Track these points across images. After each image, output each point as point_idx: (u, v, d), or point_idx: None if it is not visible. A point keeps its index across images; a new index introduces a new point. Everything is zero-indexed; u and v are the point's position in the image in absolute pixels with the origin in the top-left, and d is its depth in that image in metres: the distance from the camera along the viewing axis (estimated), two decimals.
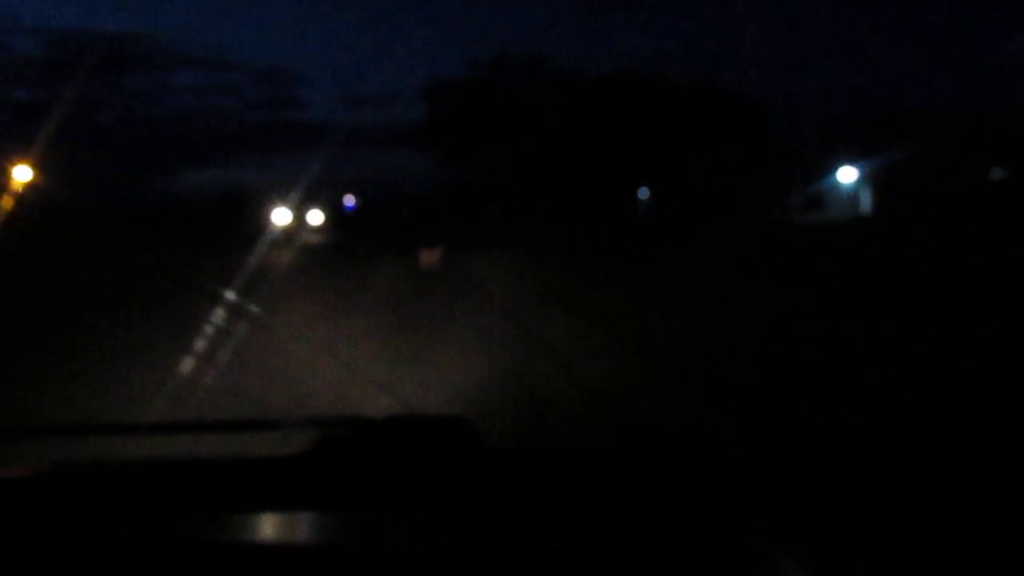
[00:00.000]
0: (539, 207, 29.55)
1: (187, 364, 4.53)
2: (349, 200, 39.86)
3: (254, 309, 6.03)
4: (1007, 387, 3.68)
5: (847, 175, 25.30)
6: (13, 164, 18.90)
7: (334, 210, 36.96)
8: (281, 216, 23.53)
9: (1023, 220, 12.50)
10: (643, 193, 31.50)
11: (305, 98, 76.34)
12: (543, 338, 5.73)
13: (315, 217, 26.67)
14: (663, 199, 28.65)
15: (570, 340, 5.57)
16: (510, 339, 5.78)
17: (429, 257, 13.10)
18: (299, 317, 7.02)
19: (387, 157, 69.49)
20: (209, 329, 5.34)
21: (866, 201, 25.03)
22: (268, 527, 0.86)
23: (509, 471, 0.96)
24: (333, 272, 12.49)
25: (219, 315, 5.83)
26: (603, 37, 58.49)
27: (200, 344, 5.01)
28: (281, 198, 23.40)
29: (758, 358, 4.82)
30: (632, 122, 28.52)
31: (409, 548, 0.76)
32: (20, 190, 19.07)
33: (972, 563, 0.72)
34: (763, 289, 8.20)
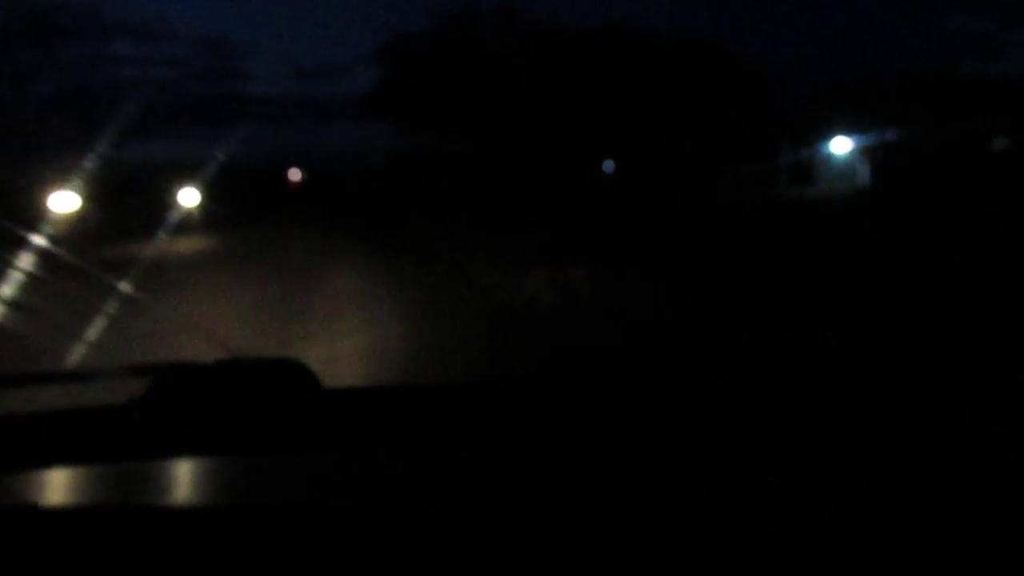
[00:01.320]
0: (496, 181, 28.26)
1: None
2: (294, 174, 38.78)
3: None
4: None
5: (841, 145, 24.79)
6: None
7: (272, 187, 35.65)
8: (189, 197, 21.23)
9: None
10: (608, 166, 30.35)
11: (251, 70, 76.91)
12: None
13: (189, 197, 20.68)
14: (633, 171, 27.53)
15: None
16: None
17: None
18: None
19: (337, 130, 69.38)
20: None
21: (863, 173, 24.56)
22: (95, 482, 0.87)
23: (342, 410, 1.03)
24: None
25: None
26: None
27: None
28: (193, 176, 21.44)
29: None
30: (611, 84, 27.52)
31: (241, 497, 0.80)
32: None
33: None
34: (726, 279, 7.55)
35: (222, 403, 1.00)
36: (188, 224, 17.10)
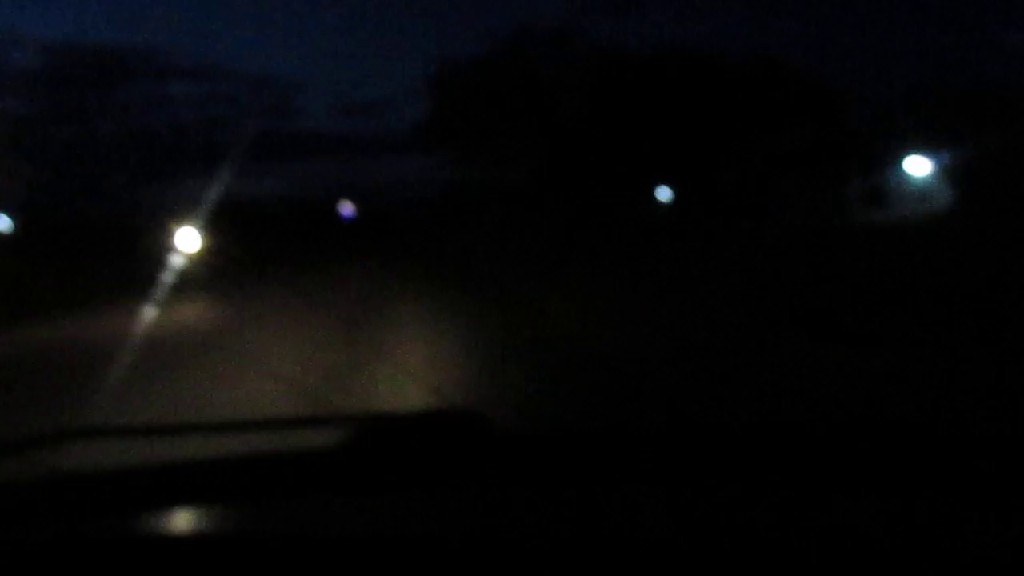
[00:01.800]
0: (550, 211, 28.21)
1: None
2: (346, 208, 39.78)
3: None
4: None
5: (917, 165, 24.01)
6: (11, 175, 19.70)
7: (324, 221, 36.52)
8: (187, 240, 18.28)
9: None
10: (664, 194, 29.66)
11: (302, 107, 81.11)
12: None
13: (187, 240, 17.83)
14: (693, 198, 27.01)
15: None
16: None
17: None
18: None
19: (387, 163, 71.80)
20: None
21: (942, 195, 23.65)
22: (306, 516, 0.99)
23: (518, 458, 1.15)
24: None
25: None
26: (639, 9, 57.31)
27: None
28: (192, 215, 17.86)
29: None
30: (670, 108, 27.11)
31: (425, 532, 0.91)
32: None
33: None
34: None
35: (421, 449, 1.16)
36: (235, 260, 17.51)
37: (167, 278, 12.80)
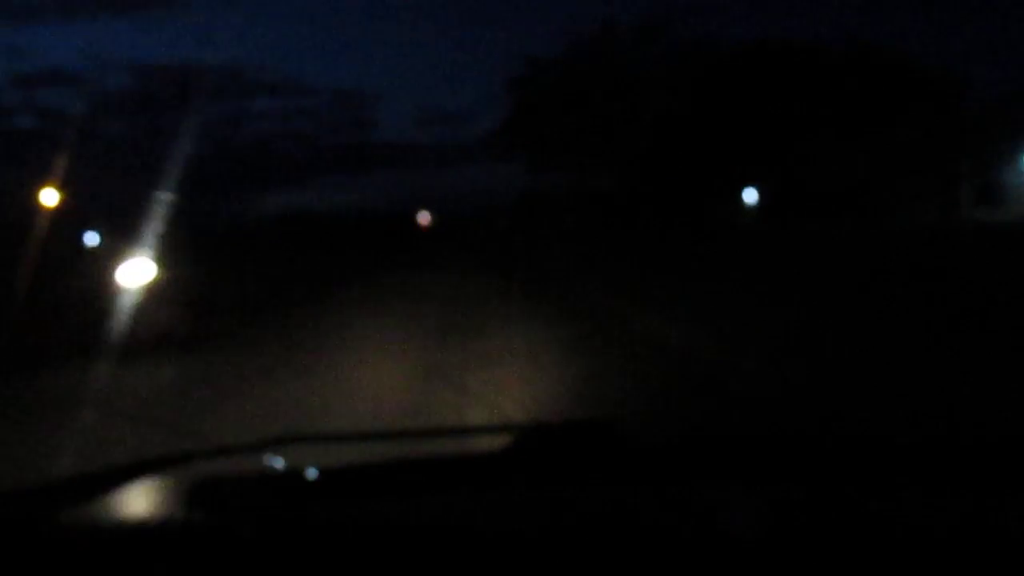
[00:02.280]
0: (636, 217, 27.65)
1: None
2: (423, 216, 40.70)
3: None
4: None
5: None
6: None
7: (403, 230, 37.51)
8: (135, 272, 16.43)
9: None
10: (751, 195, 28.24)
11: (381, 119, 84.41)
12: None
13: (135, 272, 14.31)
14: (783, 199, 25.81)
15: None
16: None
17: None
18: None
19: (464, 172, 73.34)
20: None
21: None
22: (471, 511, 1.16)
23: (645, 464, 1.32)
24: None
25: None
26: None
27: None
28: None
29: None
30: (766, 103, 25.80)
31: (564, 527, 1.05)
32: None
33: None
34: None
35: (574, 458, 1.31)
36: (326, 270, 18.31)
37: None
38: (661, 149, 28.63)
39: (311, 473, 1.27)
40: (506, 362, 6.01)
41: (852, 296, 8.95)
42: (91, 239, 25.07)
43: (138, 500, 1.20)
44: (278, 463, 1.30)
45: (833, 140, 24.65)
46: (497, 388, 5.22)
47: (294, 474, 1.26)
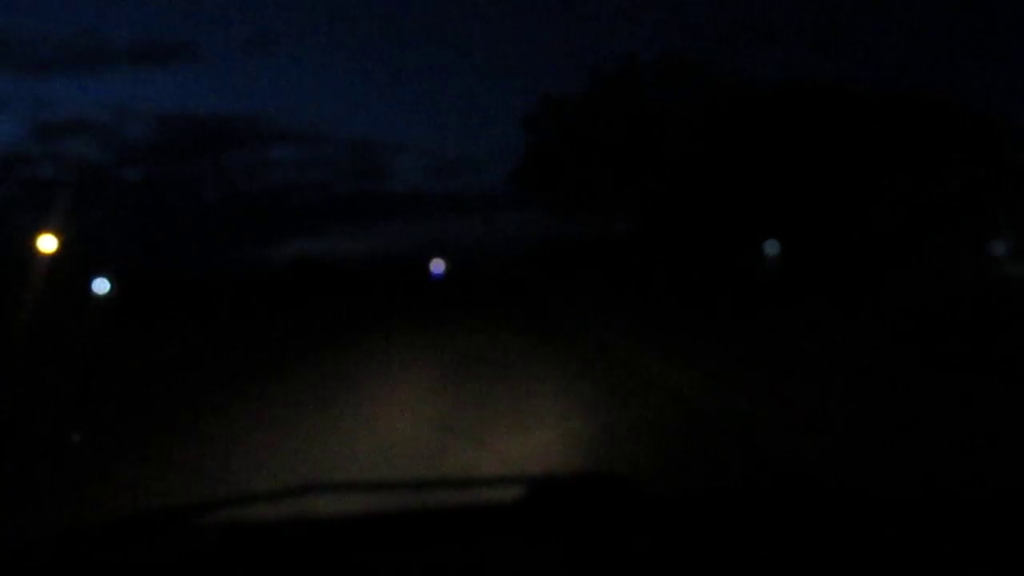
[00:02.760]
0: (655, 266, 27.25)
1: None
2: (437, 266, 40.93)
3: None
4: None
5: None
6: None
7: (416, 278, 37.76)
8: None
9: None
10: (773, 247, 27.58)
11: (396, 168, 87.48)
12: None
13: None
14: (806, 252, 25.05)
15: None
16: None
17: None
18: None
19: (479, 220, 74.65)
20: None
21: None
22: (486, 560, 1.24)
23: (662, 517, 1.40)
24: None
25: None
26: (765, 36, 55.28)
27: None
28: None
29: None
30: (796, 148, 25.09)
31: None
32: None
33: None
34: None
35: (578, 505, 1.41)
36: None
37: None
38: (683, 193, 28.05)
39: (332, 520, 1.34)
40: (522, 420, 5.99)
41: (873, 356, 8.86)
42: (100, 286, 25.50)
43: (172, 544, 1.27)
44: (301, 510, 1.34)
45: (864, 188, 24.03)
46: (512, 445, 5.21)
47: (316, 521, 1.32)
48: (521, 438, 5.34)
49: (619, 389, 7.47)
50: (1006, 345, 9.02)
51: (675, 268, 26.44)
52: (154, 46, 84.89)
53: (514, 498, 1.46)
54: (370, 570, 1.15)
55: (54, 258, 20.33)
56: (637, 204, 30.80)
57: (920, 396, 6.30)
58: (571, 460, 4.66)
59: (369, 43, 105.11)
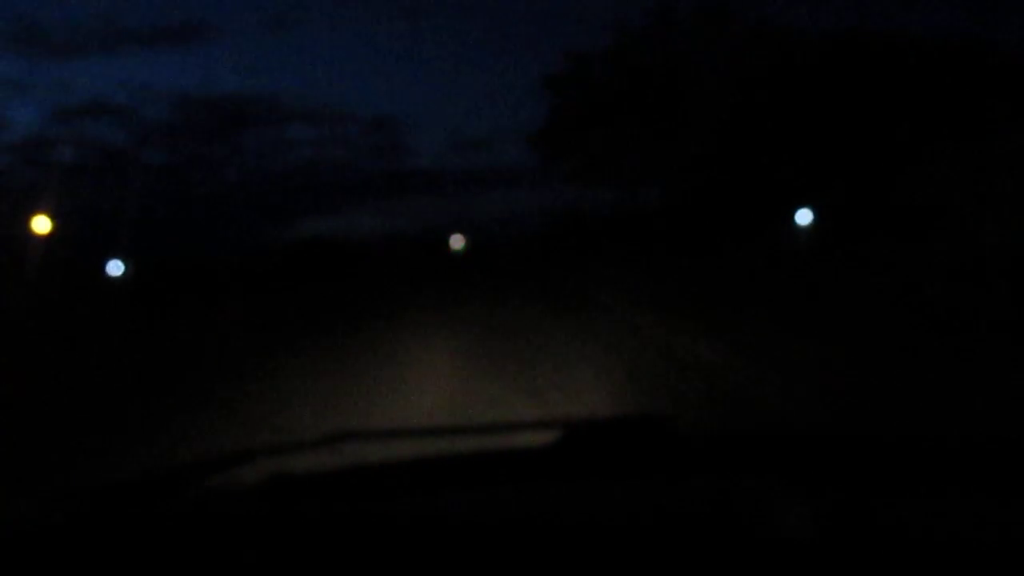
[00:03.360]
0: (682, 240, 26.19)
1: None
2: (456, 240, 40.99)
3: None
4: None
5: None
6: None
7: (435, 254, 37.95)
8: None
9: None
10: (805, 216, 25.55)
11: (415, 145, 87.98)
12: None
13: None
14: (843, 220, 23.50)
15: None
16: None
17: None
18: None
19: (499, 196, 75.05)
20: None
21: None
22: (527, 503, 1.27)
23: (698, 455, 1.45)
24: None
25: None
26: None
27: None
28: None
29: None
30: (849, 106, 23.26)
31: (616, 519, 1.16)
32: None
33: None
34: None
35: (620, 446, 1.46)
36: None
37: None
38: (718, 157, 26.59)
39: (368, 467, 1.40)
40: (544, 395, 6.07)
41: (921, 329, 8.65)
42: (114, 268, 26.22)
43: (214, 492, 1.36)
44: (337, 457, 1.42)
45: (916, 150, 22.53)
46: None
47: (352, 468, 1.39)
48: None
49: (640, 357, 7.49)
50: None
51: (702, 239, 25.63)
52: (173, 27, 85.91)
53: (551, 441, 1.48)
54: (405, 515, 1.18)
55: (60, 240, 20.97)
56: (668, 170, 29.10)
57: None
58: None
59: (388, 20, 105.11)
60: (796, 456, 1.38)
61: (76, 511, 1.22)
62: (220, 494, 1.35)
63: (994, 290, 10.87)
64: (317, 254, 35.41)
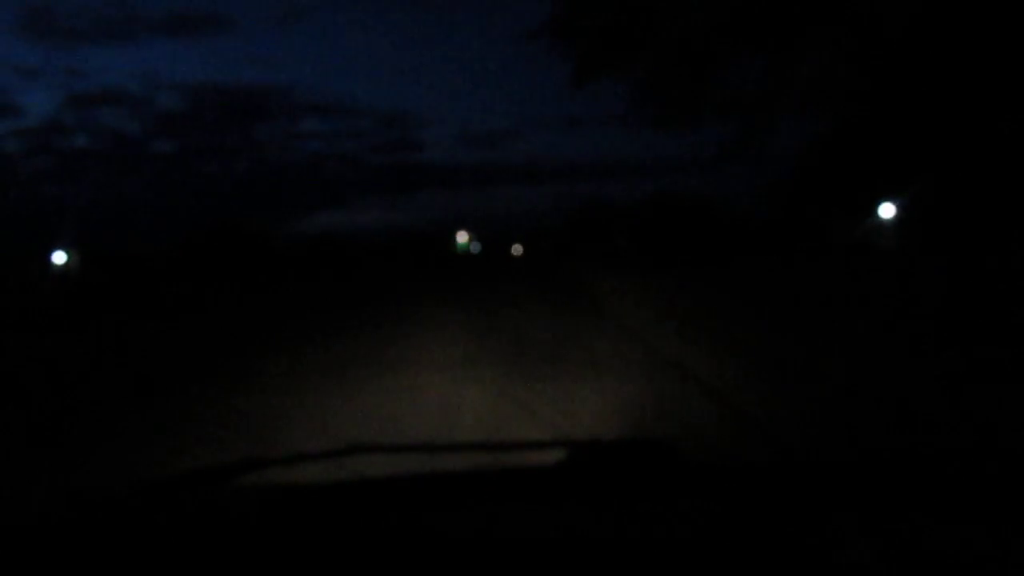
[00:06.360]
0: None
1: None
2: (461, 235, 41.07)
3: None
4: None
5: None
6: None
7: (441, 248, 37.96)
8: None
9: None
10: (887, 210, 20.96)
11: (426, 140, 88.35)
12: None
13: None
14: (938, 214, 18.16)
15: None
16: None
17: None
18: None
19: (505, 192, 74.80)
20: None
21: None
22: (529, 521, 1.29)
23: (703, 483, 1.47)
24: None
25: None
26: None
27: None
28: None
29: None
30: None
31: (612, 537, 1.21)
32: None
33: None
34: None
35: (622, 468, 1.51)
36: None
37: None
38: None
39: (377, 481, 1.45)
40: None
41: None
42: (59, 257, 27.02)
43: (219, 504, 1.40)
44: (347, 471, 1.46)
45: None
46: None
47: (362, 482, 1.44)
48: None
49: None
50: None
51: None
52: (187, 17, 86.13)
53: (559, 461, 1.54)
54: (413, 531, 1.22)
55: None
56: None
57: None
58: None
59: (402, 14, 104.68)
60: (809, 483, 1.41)
61: (77, 516, 1.27)
62: (224, 504, 1.39)
63: None
64: (322, 250, 35.35)
